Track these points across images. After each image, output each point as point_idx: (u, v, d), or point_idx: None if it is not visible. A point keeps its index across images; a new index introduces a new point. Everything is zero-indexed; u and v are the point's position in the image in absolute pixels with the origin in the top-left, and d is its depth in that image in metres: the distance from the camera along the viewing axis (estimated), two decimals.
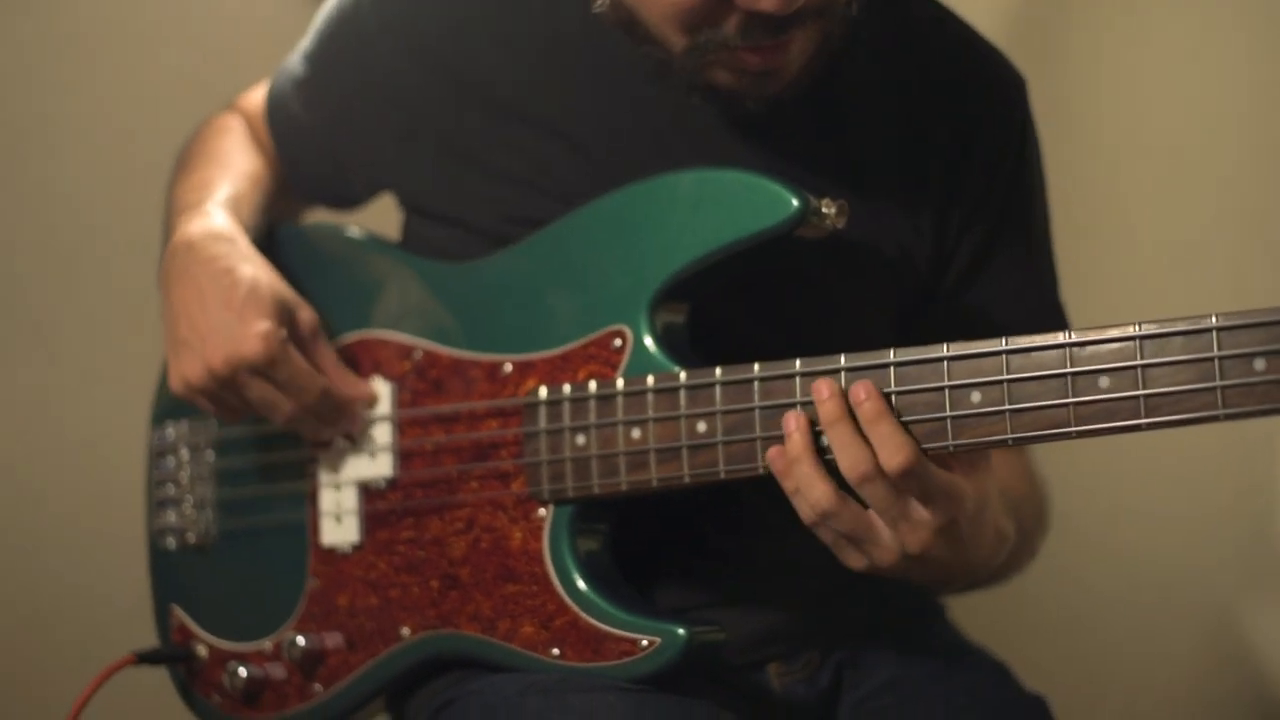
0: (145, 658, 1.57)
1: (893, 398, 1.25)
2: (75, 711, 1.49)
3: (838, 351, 1.29)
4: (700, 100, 1.43)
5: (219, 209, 1.55)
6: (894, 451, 1.20)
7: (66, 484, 2.18)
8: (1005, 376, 1.22)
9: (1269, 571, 1.87)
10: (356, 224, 1.63)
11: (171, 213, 1.60)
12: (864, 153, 1.49)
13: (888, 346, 1.27)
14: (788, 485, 1.26)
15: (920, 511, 1.21)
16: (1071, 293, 1.57)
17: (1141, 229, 2.01)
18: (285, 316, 1.48)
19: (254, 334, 1.44)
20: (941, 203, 1.49)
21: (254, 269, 1.48)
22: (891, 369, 1.26)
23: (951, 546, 1.23)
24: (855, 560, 1.28)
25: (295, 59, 1.66)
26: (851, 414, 1.23)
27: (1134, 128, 2.04)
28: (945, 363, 1.25)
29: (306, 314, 1.51)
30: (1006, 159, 1.52)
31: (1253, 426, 1.18)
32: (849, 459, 1.23)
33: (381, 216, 1.68)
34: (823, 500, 1.24)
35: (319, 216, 1.75)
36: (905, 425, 1.23)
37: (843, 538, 1.26)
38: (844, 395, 1.22)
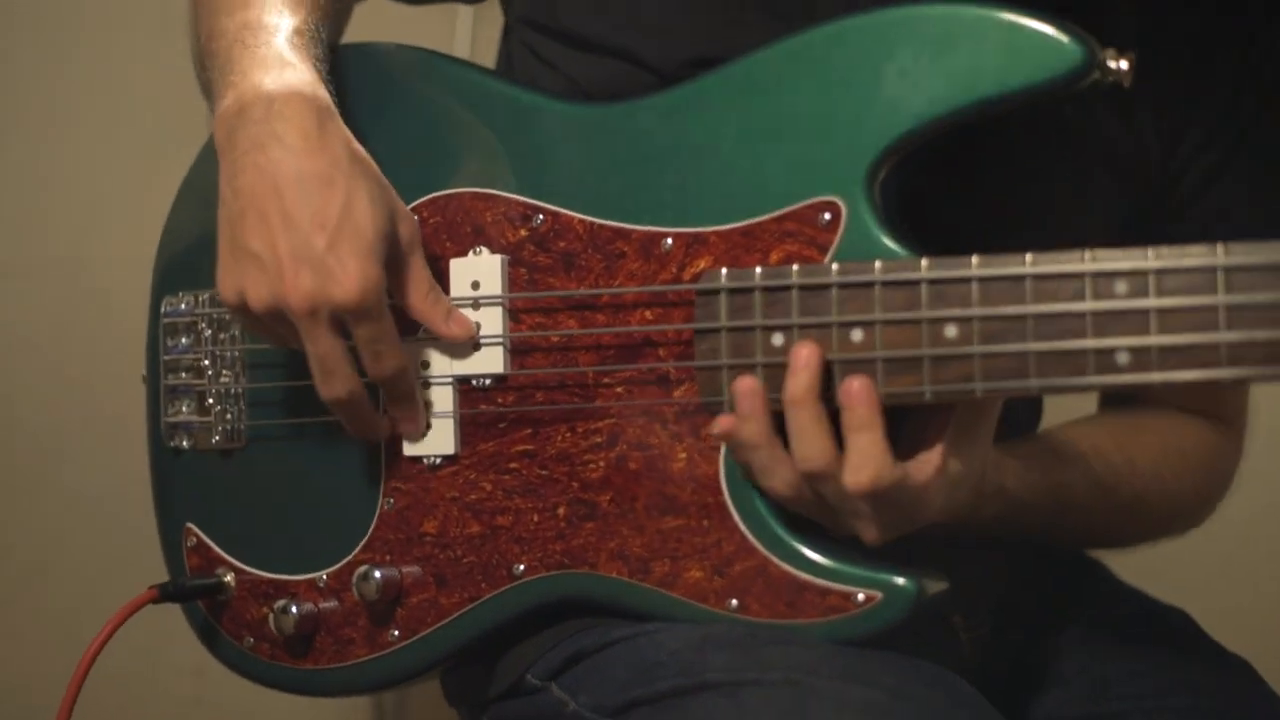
0: (169, 593, 1.24)
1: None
2: (90, 657, 1.17)
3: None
4: None
5: (297, 55, 1.18)
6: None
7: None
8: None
9: None
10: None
11: (216, 32, 1.22)
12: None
13: None
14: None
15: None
16: None
17: None
18: (388, 248, 1.14)
19: (350, 275, 1.11)
20: (1179, 108, 1.23)
21: (350, 169, 1.13)
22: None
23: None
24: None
25: None
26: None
27: None
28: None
29: (407, 228, 1.17)
30: (1262, 71, 1.25)
31: None
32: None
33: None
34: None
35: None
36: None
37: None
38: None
